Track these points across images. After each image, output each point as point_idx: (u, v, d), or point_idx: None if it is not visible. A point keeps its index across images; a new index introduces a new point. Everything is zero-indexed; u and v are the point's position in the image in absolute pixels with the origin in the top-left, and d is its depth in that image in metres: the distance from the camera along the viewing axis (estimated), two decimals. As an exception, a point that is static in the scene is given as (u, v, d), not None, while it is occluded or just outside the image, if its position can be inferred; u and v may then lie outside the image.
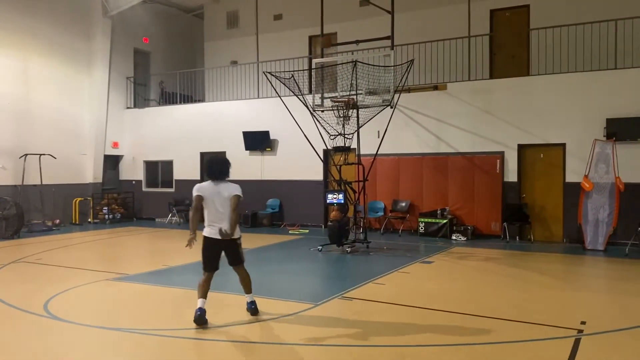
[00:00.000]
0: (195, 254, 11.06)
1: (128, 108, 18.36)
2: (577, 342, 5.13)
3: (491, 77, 13.89)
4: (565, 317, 6.12)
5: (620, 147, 11.05)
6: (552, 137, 12.15)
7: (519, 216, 12.28)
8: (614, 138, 11.14)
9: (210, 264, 5.90)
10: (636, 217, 10.80)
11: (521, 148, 12.52)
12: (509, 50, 14.35)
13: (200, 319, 5.59)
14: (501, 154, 12.64)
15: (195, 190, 5.83)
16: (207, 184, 5.87)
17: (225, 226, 5.65)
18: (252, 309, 6.06)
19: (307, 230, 14.39)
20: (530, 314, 6.23)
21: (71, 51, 16.42)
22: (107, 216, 16.68)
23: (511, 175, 12.58)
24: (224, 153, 16.36)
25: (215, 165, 5.91)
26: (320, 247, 10.97)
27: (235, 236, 5.86)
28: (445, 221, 12.73)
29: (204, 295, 5.77)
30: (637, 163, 11.14)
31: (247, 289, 6.12)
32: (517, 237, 12.37)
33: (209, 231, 5.82)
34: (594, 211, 11.06)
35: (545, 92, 12.22)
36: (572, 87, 11.94)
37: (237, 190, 5.83)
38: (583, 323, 5.74)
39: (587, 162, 11.16)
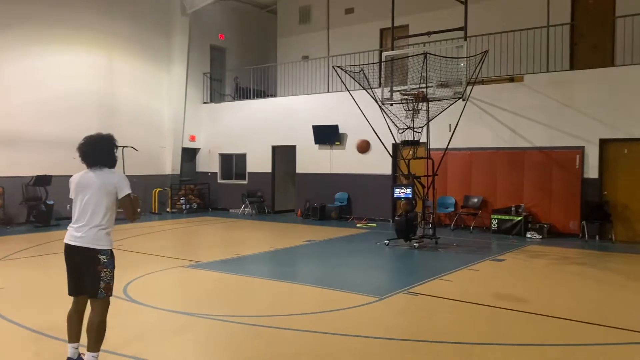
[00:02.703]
0: (264, 244, 11.36)
1: (205, 103, 19.05)
2: (657, 349, 4.84)
3: (571, 68, 13.22)
4: (646, 322, 5.77)
5: None
6: (637, 132, 11.40)
7: (599, 214, 11.64)
8: None
9: (72, 283, 4.16)
10: None
11: (603, 143, 11.84)
12: (591, 39, 13.58)
13: None
14: (581, 149, 12.02)
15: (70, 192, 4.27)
16: (80, 173, 4.25)
17: (86, 233, 4.04)
18: None
19: (375, 225, 14.36)
20: (606, 316, 5.92)
21: (152, 49, 17.25)
22: (184, 206, 17.44)
23: (591, 172, 11.94)
24: (294, 147, 16.69)
25: (88, 144, 4.21)
26: (387, 242, 10.93)
27: (100, 246, 4.05)
28: (519, 218, 12.29)
29: (74, 337, 4.15)
30: None
31: (91, 343, 4.01)
32: (597, 236, 11.73)
33: (67, 235, 4.15)
34: (684, 211, 10.30)
35: (630, 84, 11.47)
36: (662, 77, 11.14)
37: (123, 183, 4.16)
38: (665, 329, 5.40)
39: (677, 158, 10.40)
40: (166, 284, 7.59)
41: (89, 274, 4.04)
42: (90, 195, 4.09)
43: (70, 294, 4.18)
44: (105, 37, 15.86)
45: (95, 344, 4.02)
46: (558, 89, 12.33)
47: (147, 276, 7.82)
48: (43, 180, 13.62)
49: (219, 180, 18.66)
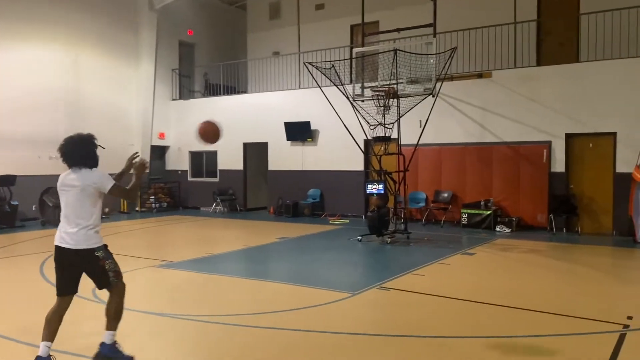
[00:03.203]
0: (236, 243, 11.28)
1: (173, 100, 18.79)
2: (622, 337, 4.96)
3: (538, 64, 13.47)
4: (611, 311, 5.92)
5: (676, 135, 10.54)
6: (602, 126, 11.70)
7: (566, 207, 11.92)
8: (669, 126, 10.64)
9: (62, 283, 4.17)
10: (692, 210, 10.31)
11: (569, 137, 12.12)
12: (557, 36, 13.87)
13: None
14: (548, 144, 12.27)
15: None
16: (64, 174, 4.27)
17: (76, 235, 4.10)
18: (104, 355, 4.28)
19: (348, 221, 14.41)
20: (575, 307, 6.06)
21: (119, 45, 16.91)
22: (153, 205, 17.20)
23: (558, 166, 12.21)
24: (266, 144, 16.61)
25: (68, 145, 4.22)
26: (360, 237, 10.98)
27: (93, 245, 4.15)
28: (489, 212, 12.50)
29: (49, 336, 4.07)
30: (694, 153, 10.61)
31: (112, 324, 4.31)
32: (564, 229, 12.02)
33: (57, 237, 4.17)
34: (646, 203, 10.61)
35: (595, 79, 11.77)
36: (624, 73, 11.45)
37: (103, 179, 4.20)
38: (630, 318, 5.55)
39: (638, 152, 10.69)
40: (136, 284, 7.44)
41: (94, 273, 4.19)
42: (73, 196, 4.15)
43: (58, 294, 4.17)
44: (71, 32, 15.47)
45: (115, 323, 4.28)
46: (525, 85, 12.55)
47: (116, 277, 7.66)
48: (7, 180, 13.22)
49: (190, 178, 18.44)
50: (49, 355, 4.06)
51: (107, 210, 16.04)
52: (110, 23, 16.56)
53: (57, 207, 13.81)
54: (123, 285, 4.36)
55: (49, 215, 13.65)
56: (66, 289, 4.17)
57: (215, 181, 17.70)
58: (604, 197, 11.79)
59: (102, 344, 4.29)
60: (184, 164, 18.58)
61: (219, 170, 17.75)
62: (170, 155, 18.91)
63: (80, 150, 4.22)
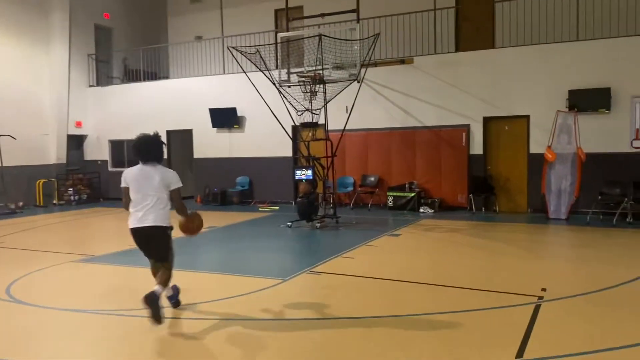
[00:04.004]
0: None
1: (91, 86, 17.88)
2: (537, 308, 5.29)
3: (457, 50, 13.96)
4: (527, 284, 6.30)
5: (582, 118, 11.29)
6: (516, 109, 12.34)
7: (484, 188, 12.51)
8: (576, 109, 11.38)
9: (145, 253, 5.31)
10: (597, 187, 11.12)
11: (486, 121, 12.69)
12: (474, 22, 14.41)
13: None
14: (467, 127, 12.79)
15: (122, 181, 5.10)
16: (134, 168, 5.11)
17: (153, 215, 4.98)
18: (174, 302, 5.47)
19: (277, 207, 14.39)
20: (494, 282, 6.40)
21: (27, 28, 15.81)
22: (72, 197, 16.38)
23: (477, 148, 12.77)
24: (190, 131, 16.23)
25: (143, 145, 5.08)
26: (289, 224, 10.99)
27: (167, 224, 5.10)
28: (413, 194, 12.89)
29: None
30: (597, 133, 11.42)
31: (161, 282, 5.08)
32: (483, 208, 12.62)
33: (131, 220, 5.09)
34: (556, 181, 11.33)
35: (509, 65, 12.36)
36: (536, 59, 12.10)
37: (175, 180, 5.10)
38: (544, 290, 5.92)
39: (550, 133, 11.38)
40: (55, 281, 7.09)
41: (160, 245, 5.13)
42: (151, 186, 4.99)
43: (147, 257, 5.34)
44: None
45: (164, 283, 5.11)
46: (445, 71, 12.98)
47: (33, 274, 7.26)
48: None
49: (110, 169, 17.68)
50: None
51: (21, 204, 15.10)
52: (16, 4, 15.43)
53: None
54: (172, 263, 5.31)
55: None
56: (149, 255, 5.30)
57: (138, 171, 17.04)
58: (519, 177, 12.48)
59: (170, 297, 5.44)
60: (104, 154, 17.79)
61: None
62: (89, 145, 18.03)
63: (155, 149, 5.09)
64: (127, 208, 5.14)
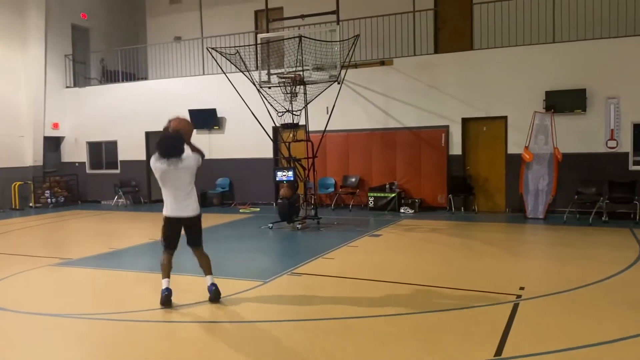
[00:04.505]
0: (142, 236, 10.86)
1: (67, 87, 17.62)
2: (515, 307, 5.36)
3: (436, 51, 14.08)
4: (505, 283, 6.38)
5: (559, 118, 11.48)
6: (494, 110, 12.49)
7: (463, 188, 12.64)
8: (553, 110, 11.56)
9: (173, 242, 5.75)
10: (573, 186, 11.32)
11: (465, 121, 12.82)
12: (453, 24, 14.55)
13: (167, 300, 5.55)
14: (446, 128, 12.91)
15: (154, 170, 5.62)
16: (162, 165, 5.52)
17: (192, 206, 5.64)
18: (213, 290, 5.73)
19: (258, 209, 14.34)
20: (473, 281, 6.46)
21: (2, 27, 15.53)
22: (49, 200, 16.12)
23: (456, 149, 12.89)
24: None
25: (165, 142, 5.54)
26: (270, 225, 10.97)
27: (200, 212, 5.77)
28: (393, 195, 12.96)
29: (168, 275, 5.69)
30: (574, 134, 11.62)
31: (208, 270, 5.86)
32: (462, 208, 12.75)
33: (170, 210, 5.61)
34: (534, 181, 11.50)
35: (487, 66, 12.51)
36: (514, 60, 12.27)
37: (196, 162, 5.65)
38: (522, 288, 6.00)
39: (527, 134, 11.54)
40: (32, 285, 6.96)
41: (196, 233, 5.78)
42: (182, 178, 5.54)
43: (172, 248, 5.76)
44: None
45: (210, 270, 5.84)
46: (424, 72, 13.08)
47: (8, 279, 7.12)
48: None
49: (88, 171, 17.46)
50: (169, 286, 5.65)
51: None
52: (-10, 3, 15.16)
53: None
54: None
55: None
56: (173, 245, 5.74)
57: (116, 173, 16.88)
58: (497, 177, 12.63)
59: (210, 286, 5.73)
60: (82, 156, 17.54)
61: (120, 161, 16.95)
62: (66, 147, 17.77)
63: (178, 146, 5.50)
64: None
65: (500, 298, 5.69)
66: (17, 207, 15.60)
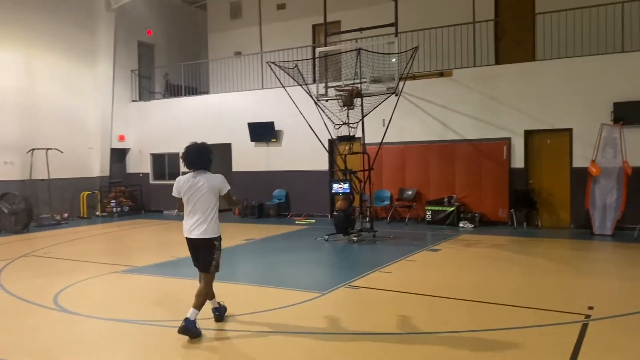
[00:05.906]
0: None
1: (133, 101, 18.40)
2: (584, 327, 5.11)
3: (496, 62, 13.78)
4: (573, 302, 6.11)
5: (628, 131, 10.94)
6: (558, 123, 12.06)
7: (526, 202, 12.23)
8: (622, 122, 11.04)
9: (193, 262, 5.42)
10: (644, 202, 10.73)
11: (528, 134, 12.44)
12: (514, 35, 14.21)
13: (219, 319, 5.53)
14: (508, 140, 12.57)
15: (174, 190, 5.28)
16: (185, 177, 5.25)
17: (203, 227, 5.14)
18: (182, 326, 5.03)
19: (314, 221, 14.41)
20: (538, 300, 6.22)
21: (75, 45, 16.43)
22: (115, 209, 16.79)
23: (518, 162, 12.52)
24: (229, 145, 16.48)
25: (191, 154, 5.21)
26: (326, 237, 10.98)
27: (213, 235, 5.20)
28: (452, 209, 12.70)
29: (211, 296, 5.44)
30: (645, 147, 11.04)
31: (197, 303, 5.15)
32: (525, 223, 12.33)
33: (184, 228, 5.29)
34: (601, 196, 10.98)
35: (551, 77, 12.11)
36: (579, 71, 11.83)
37: (224, 185, 5.24)
38: (591, 308, 5.72)
39: (594, 147, 11.07)
40: (99, 291, 7.26)
41: (205, 256, 5.21)
42: (202, 195, 5.15)
43: (195, 267, 5.41)
44: (22, 32, 14.94)
45: (200, 304, 5.14)
46: (485, 83, 12.82)
47: (78, 284, 7.45)
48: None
49: (152, 181, 18.09)
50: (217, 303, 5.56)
51: (66, 215, 15.59)
52: (64, 22, 16.08)
53: (14, 213, 13.24)
54: (213, 276, 5.35)
55: (4, 223, 13.15)
56: (194, 264, 5.36)
57: (178, 184, 17.35)
58: (561, 192, 12.15)
59: (186, 319, 5.02)
60: (146, 167, 18.21)
61: (182, 172, 17.44)
62: (131, 158, 18.51)
63: (203, 157, 5.21)
64: (181, 210, 5.36)
65: (568, 317, 5.45)
66: (85, 216, 16.35)
